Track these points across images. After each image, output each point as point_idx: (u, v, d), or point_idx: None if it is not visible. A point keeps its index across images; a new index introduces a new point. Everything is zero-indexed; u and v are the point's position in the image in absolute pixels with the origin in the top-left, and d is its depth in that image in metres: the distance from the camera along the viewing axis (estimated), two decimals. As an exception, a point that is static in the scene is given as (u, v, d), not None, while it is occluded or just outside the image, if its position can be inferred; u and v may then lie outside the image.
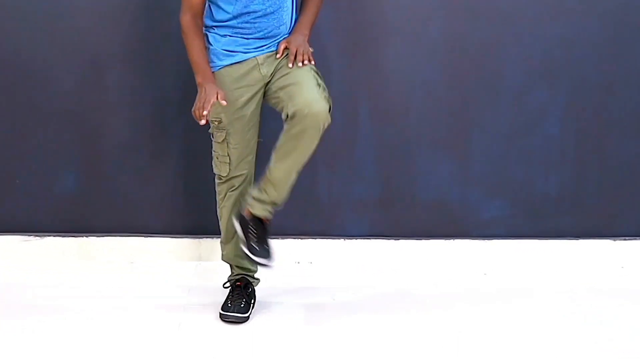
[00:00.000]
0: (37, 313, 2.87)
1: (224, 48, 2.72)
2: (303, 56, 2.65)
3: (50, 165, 3.35)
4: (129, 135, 3.34)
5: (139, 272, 3.28)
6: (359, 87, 3.30)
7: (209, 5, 2.73)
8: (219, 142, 2.79)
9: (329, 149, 3.29)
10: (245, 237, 2.76)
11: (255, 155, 2.86)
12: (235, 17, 2.69)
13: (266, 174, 2.72)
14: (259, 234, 2.75)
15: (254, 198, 2.77)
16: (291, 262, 3.38)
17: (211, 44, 2.74)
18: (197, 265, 3.35)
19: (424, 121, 3.33)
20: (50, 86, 3.29)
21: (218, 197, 2.89)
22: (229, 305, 2.86)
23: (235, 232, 2.84)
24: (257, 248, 2.73)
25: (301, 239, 3.39)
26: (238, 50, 2.72)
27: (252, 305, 2.90)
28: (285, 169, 2.68)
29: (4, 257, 3.33)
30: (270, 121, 2.87)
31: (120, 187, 3.37)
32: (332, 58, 3.19)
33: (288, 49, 2.69)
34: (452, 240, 3.40)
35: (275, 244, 3.34)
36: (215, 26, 2.73)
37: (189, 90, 3.23)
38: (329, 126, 2.64)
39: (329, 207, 3.39)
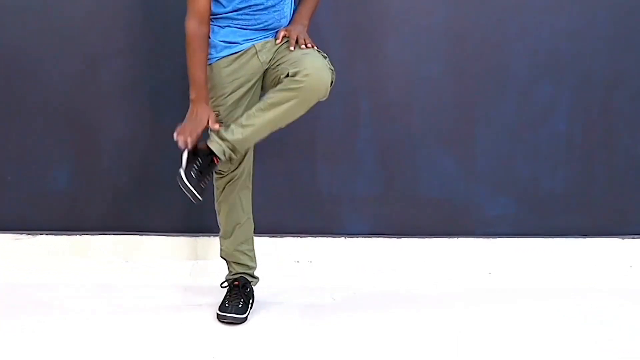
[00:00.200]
0: (26, 313, 2.85)
1: (222, 39, 2.71)
2: (305, 41, 2.64)
3: (43, 161, 3.35)
4: (124, 132, 3.34)
5: (134, 271, 3.28)
6: (360, 81, 3.29)
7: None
8: None
9: (330, 144, 3.31)
10: (187, 164, 2.64)
11: (253, 148, 2.84)
12: (234, 10, 2.67)
13: (242, 118, 2.64)
14: (202, 167, 2.65)
15: (217, 135, 2.67)
16: (290, 261, 3.38)
17: (209, 36, 2.72)
18: (193, 264, 3.36)
19: (427, 116, 3.33)
20: (42, 81, 3.29)
21: (216, 192, 2.88)
22: (227, 305, 2.85)
23: (235, 225, 2.85)
24: (193, 176, 2.61)
25: (301, 237, 3.38)
26: (236, 40, 2.71)
27: (250, 305, 2.89)
28: (263, 119, 2.59)
29: (-5, 256, 3.33)
30: None
31: (115, 184, 3.38)
32: (333, 52, 3.18)
33: (287, 37, 2.68)
34: (455, 239, 3.40)
35: (274, 242, 3.36)
36: (215, 18, 2.71)
37: (185, 86, 3.23)
38: (317, 104, 2.59)
39: (329, 204, 3.39)
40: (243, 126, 2.62)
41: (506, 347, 2.66)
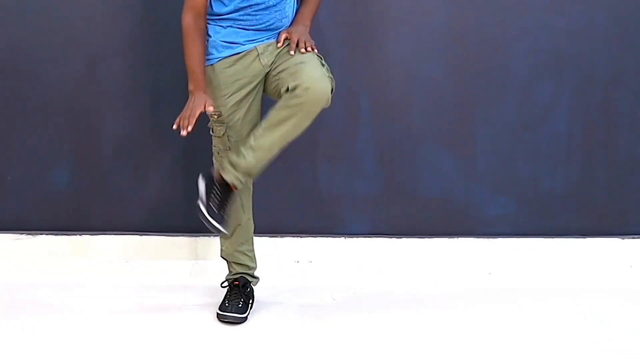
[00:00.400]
0: (26, 313, 2.85)
1: (223, 39, 2.71)
2: (305, 44, 2.64)
3: (43, 162, 3.35)
4: (124, 131, 3.33)
5: (134, 271, 3.27)
6: (360, 81, 3.29)
7: (210, 2, 2.71)
8: (219, 137, 2.78)
9: (330, 144, 3.31)
10: (206, 197, 2.65)
11: None
12: (236, 10, 2.67)
13: (250, 140, 2.65)
14: (222, 199, 2.67)
15: (229, 162, 2.69)
16: (291, 261, 3.37)
17: (210, 36, 2.73)
18: (193, 264, 3.35)
19: (427, 116, 3.32)
20: (42, 82, 3.28)
21: None
22: (227, 305, 2.84)
23: (236, 226, 2.84)
24: (214, 210, 2.64)
25: (301, 237, 3.37)
26: (238, 41, 2.70)
27: (250, 305, 2.88)
28: (271, 138, 2.61)
29: (-5, 256, 3.33)
30: None
31: (115, 184, 3.37)
32: (334, 52, 3.20)
33: (289, 39, 2.68)
34: (455, 239, 3.39)
35: (274, 242, 3.35)
36: (216, 18, 2.71)
37: (185, 86, 3.22)
38: (323, 109, 2.60)
39: (329, 204, 3.38)
40: (253, 149, 2.63)
41: (506, 347, 2.65)
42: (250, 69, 2.71)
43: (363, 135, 3.31)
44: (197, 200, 2.65)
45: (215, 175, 2.72)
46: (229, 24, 2.70)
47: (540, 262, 3.35)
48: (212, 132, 2.80)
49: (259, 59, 2.70)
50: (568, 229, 3.39)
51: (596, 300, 3.01)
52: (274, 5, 2.67)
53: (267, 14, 2.67)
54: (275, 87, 2.69)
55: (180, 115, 2.64)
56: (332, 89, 2.59)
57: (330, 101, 2.59)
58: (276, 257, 3.36)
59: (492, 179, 3.35)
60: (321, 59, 2.64)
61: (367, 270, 3.28)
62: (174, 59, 3.18)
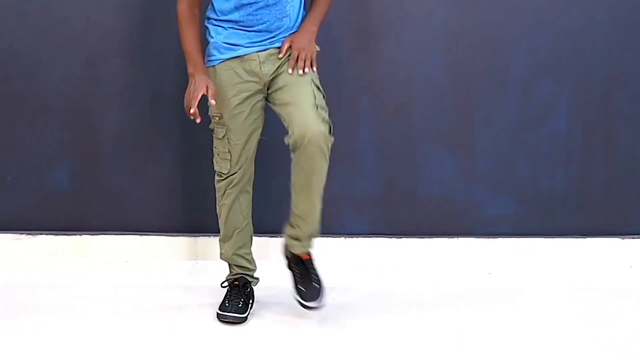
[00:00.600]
0: (26, 313, 2.84)
1: (225, 41, 2.71)
2: (304, 62, 2.65)
3: (43, 161, 3.34)
4: (124, 131, 3.33)
5: (134, 271, 3.27)
6: (360, 80, 3.28)
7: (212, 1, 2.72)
8: (219, 139, 2.78)
9: None
10: (293, 280, 2.82)
11: (255, 153, 2.84)
12: (237, 9, 2.67)
13: (292, 210, 2.76)
14: (302, 272, 2.79)
15: (290, 237, 2.81)
16: None
17: (212, 37, 2.73)
18: (193, 264, 3.34)
19: (428, 116, 3.32)
20: (42, 81, 3.28)
21: (217, 195, 2.88)
22: (227, 305, 2.84)
23: (235, 230, 2.87)
24: (303, 289, 2.77)
25: None
26: (240, 43, 2.70)
27: (250, 305, 2.88)
28: (307, 201, 2.71)
29: (-5, 256, 3.32)
30: (272, 116, 2.84)
31: (115, 184, 3.37)
32: (334, 52, 3.20)
33: (291, 48, 2.68)
34: (455, 239, 3.39)
35: (274, 242, 3.35)
36: (217, 19, 2.72)
37: (185, 87, 3.21)
38: (333, 145, 2.67)
39: (329, 204, 3.32)
40: (301, 217, 2.73)
41: (506, 347, 2.65)
42: (251, 74, 2.71)
43: (363, 135, 3.31)
44: (302, 302, 2.77)
45: (287, 254, 2.84)
46: (230, 25, 2.70)
47: (540, 262, 3.34)
48: (214, 133, 2.81)
49: (260, 67, 2.70)
50: (568, 229, 3.38)
51: (596, 300, 3.01)
52: (274, 4, 2.66)
53: (267, 13, 2.67)
54: (276, 110, 2.73)
55: (185, 99, 2.66)
56: (331, 128, 2.65)
57: (332, 138, 2.64)
58: (276, 257, 3.35)
59: (492, 179, 3.35)
60: (316, 89, 2.66)
61: (367, 270, 3.28)
62: (174, 59, 3.21)
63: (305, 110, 2.61)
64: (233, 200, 2.85)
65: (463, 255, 3.36)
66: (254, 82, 2.72)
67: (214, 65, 2.72)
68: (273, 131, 2.84)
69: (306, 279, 2.78)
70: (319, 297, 2.75)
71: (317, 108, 2.62)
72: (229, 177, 2.82)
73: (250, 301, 2.88)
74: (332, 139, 2.67)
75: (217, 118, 2.75)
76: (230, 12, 2.68)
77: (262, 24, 2.68)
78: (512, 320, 2.85)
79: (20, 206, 3.36)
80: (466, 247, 3.37)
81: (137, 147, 3.33)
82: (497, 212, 3.37)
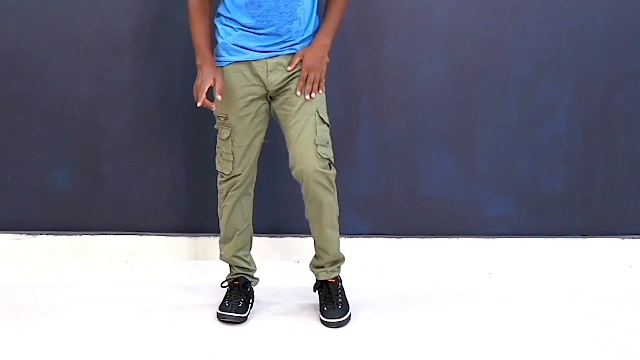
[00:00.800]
0: (26, 313, 2.85)
1: (234, 43, 2.70)
2: (312, 86, 2.68)
3: (43, 161, 3.34)
4: (124, 131, 3.32)
5: (134, 271, 3.27)
6: (360, 80, 3.28)
7: None
8: (223, 139, 2.78)
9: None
10: (319, 302, 2.87)
11: (259, 156, 2.84)
12: (246, 6, 2.64)
13: (314, 241, 2.88)
14: (325, 294, 2.86)
15: (315, 266, 2.91)
16: (291, 261, 3.37)
17: (222, 37, 2.72)
18: (193, 264, 3.34)
19: (428, 116, 3.31)
20: (42, 82, 3.28)
21: (219, 196, 2.88)
22: (227, 304, 2.84)
23: (235, 232, 2.88)
24: (325, 309, 2.82)
25: (301, 237, 3.36)
26: (249, 47, 2.69)
27: (250, 305, 2.88)
28: (322, 232, 2.82)
29: (-5, 256, 3.32)
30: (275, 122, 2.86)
31: (115, 184, 3.37)
32: (334, 52, 3.16)
33: (302, 63, 2.68)
34: (455, 239, 3.39)
35: (274, 243, 3.37)
36: (227, 17, 2.70)
37: (187, 86, 3.22)
38: (336, 178, 2.76)
39: (329, 204, 3.35)
40: (321, 248, 2.85)
41: (506, 347, 2.65)
42: (257, 80, 2.71)
43: (363, 135, 3.31)
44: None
45: (316, 282, 2.92)
46: (239, 27, 2.68)
47: (540, 262, 3.34)
48: (218, 133, 2.80)
49: (267, 75, 2.70)
50: (568, 229, 3.38)
51: (596, 300, 3.01)
52: (285, 6, 2.64)
53: (277, 15, 2.64)
54: (278, 122, 2.77)
55: (194, 92, 2.68)
56: (330, 163, 2.73)
57: (328, 174, 2.72)
58: (276, 257, 3.36)
59: (492, 179, 3.35)
60: (320, 119, 2.70)
61: (367, 270, 3.28)
62: (175, 59, 3.21)
63: (305, 148, 2.68)
64: (235, 203, 2.85)
65: (463, 255, 3.36)
66: (260, 86, 2.72)
67: (222, 66, 2.72)
68: (274, 133, 2.84)
69: (329, 301, 2.83)
70: (341, 316, 2.79)
71: (317, 146, 2.69)
72: (231, 178, 2.81)
73: (250, 301, 2.88)
74: (334, 172, 2.75)
75: (222, 119, 2.75)
76: (240, 9, 2.65)
77: (271, 26, 2.66)
78: (512, 320, 2.85)
79: (21, 206, 3.36)
80: (466, 247, 3.37)
81: (137, 147, 3.32)
82: (497, 212, 3.37)
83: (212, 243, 3.27)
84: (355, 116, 3.29)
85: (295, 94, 2.69)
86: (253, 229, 2.95)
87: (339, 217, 2.85)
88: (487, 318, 2.86)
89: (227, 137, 2.76)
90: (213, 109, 2.64)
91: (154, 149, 3.33)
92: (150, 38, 3.24)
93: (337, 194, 2.80)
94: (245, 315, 2.82)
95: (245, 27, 2.67)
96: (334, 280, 2.89)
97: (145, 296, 3.00)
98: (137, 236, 3.38)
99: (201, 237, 3.35)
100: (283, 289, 3.09)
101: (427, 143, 3.32)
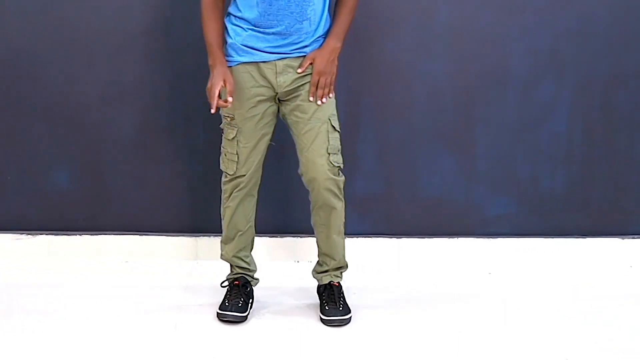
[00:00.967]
0: (26, 313, 2.84)
1: (244, 43, 2.69)
2: (324, 91, 2.69)
3: (43, 161, 3.34)
4: (124, 131, 3.32)
5: (134, 271, 3.27)
6: (360, 80, 3.28)
7: None
8: (229, 139, 2.78)
9: None
10: (320, 303, 2.87)
11: (264, 158, 2.84)
12: (257, 4, 2.63)
13: (318, 247, 2.90)
14: (329, 295, 2.86)
15: (318, 272, 2.93)
16: (291, 261, 3.37)
17: (231, 38, 2.71)
18: (194, 264, 3.34)
19: (428, 116, 3.32)
20: (42, 81, 3.28)
21: (223, 196, 2.88)
22: (227, 304, 2.84)
23: (237, 233, 2.88)
24: (326, 308, 2.82)
25: (301, 237, 3.36)
26: (258, 48, 2.68)
27: (250, 305, 2.88)
28: (329, 238, 2.85)
29: (-5, 256, 3.33)
30: (282, 123, 2.85)
31: (115, 184, 3.37)
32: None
33: (312, 65, 2.69)
34: (455, 239, 3.39)
35: (274, 242, 3.36)
36: (237, 16, 2.69)
37: (186, 87, 3.23)
38: (344, 184, 2.80)
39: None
40: (327, 254, 2.88)
41: (506, 347, 2.65)
42: (266, 81, 2.70)
43: (363, 135, 3.31)
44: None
45: (318, 285, 2.93)
46: (249, 27, 2.67)
47: (540, 262, 3.35)
48: (223, 133, 2.80)
49: (276, 77, 2.69)
50: (568, 229, 3.38)
51: (596, 300, 3.01)
52: (296, 5, 2.63)
53: (288, 15, 2.64)
54: (288, 126, 2.79)
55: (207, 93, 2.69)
56: (340, 169, 2.77)
57: (338, 180, 2.76)
58: (276, 257, 3.36)
59: (492, 179, 3.35)
60: (332, 125, 2.72)
61: (367, 270, 3.28)
62: (174, 59, 3.22)
63: (318, 156, 2.72)
64: (238, 203, 2.84)
65: (463, 255, 3.36)
66: (268, 87, 2.71)
67: (230, 66, 2.71)
68: (278, 135, 2.84)
69: (331, 302, 2.84)
70: (342, 315, 2.79)
71: (330, 155, 2.72)
72: (235, 179, 2.80)
73: (250, 301, 2.88)
74: (343, 178, 2.78)
75: (229, 119, 2.75)
76: (251, 7, 2.64)
77: (281, 25, 2.65)
78: (512, 320, 2.85)
79: (21, 206, 3.36)
80: (466, 247, 3.37)
81: (138, 147, 3.32)
82: (497, 212, 3.37)
83: (212, 243, 3.27)
84: (356, 116, 3.29)
85: (308, 100, 2.70)
86: (255, 229, 2.94)
87: (345, 223, 2.86)
88: (487, 318, 2.86)
89: (233, 138, 2.75)
90: (229, 106, 2.64)
91: (154, 150, 3.33)
92: (151, 39, 3.24)
93: (345, 201, 2.82)
94: (245, 314, 2.81)
95: (255, 27, 2.66)
96: (337, 284, 2.89)
97: (145, 296, 3.00)
98: (137, 236, 3.38)
99: (201, 237, 3.35)
100: (283, 289, 3.09)
101: (428, 143, 3.33)
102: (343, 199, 2.82)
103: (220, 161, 2.83)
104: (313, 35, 2.70)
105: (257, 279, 2.98)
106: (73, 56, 3.25)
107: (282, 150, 3.02)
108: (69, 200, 3.35)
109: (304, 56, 2.70)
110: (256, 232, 2.97)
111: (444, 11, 3.23)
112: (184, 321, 2.80)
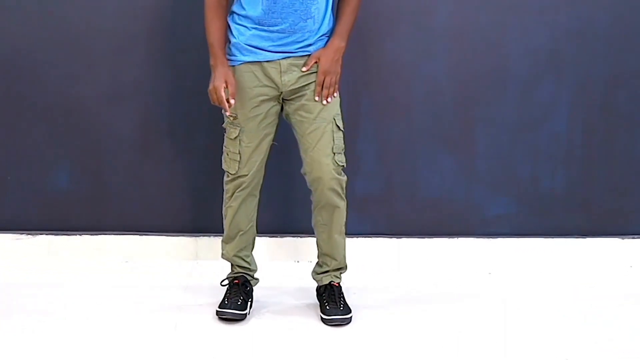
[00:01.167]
0: (26, 313, 2.84)
1: (247, 43, 2.69)
2: (329, 90, 2.70)
3: (43, 161, 3.34)
4: (124, 131, 3.33)
5: (134, 271, 3.27)
6: (360, 80, 3.29)
7: None
8: (231, 139, 2.78)
9: None
10: (320, 304, 2.87)
11: (267, 158, 2.84)
12: (262, 2, 2.64)
13: (318, 250, 2.90)
14: (329, 295, 2.86)
15: (318, 273, 2.93)
16: (291, 261, 3.38)
17: (235, 37, 2.72)
18: (194, 264, 3.34)
19: (428, 116, 3.32)
20: (42, 81, 3.28)
21: (225, 196, 2.88)
22: (226, 302, 2.84)
23: (238, 232, 2.88)
24: (327, 307, 2.82)
25: (301, 237, 3.37)
26: (262, 47, 2.68)
27: (249, 303, 2.87)
28: (330, 238, 2.86)
29: (-5, 256, 3.33)
30: (284, 123, 2.85)
31: (115, 184, 3.37)
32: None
33: (317, 64, 2.69)
34: (455, 239, 3.39)
35: (274, 242, 3.36)
36: (241, 15, 2.69)
37: (186, 87, 3.24)
38: (347, 183, 2.80)
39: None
40: (328, 254, 2.88)
41: (506, 347, 2.65)
42: (270, 80, 2.71)
43: (363, 135, 3.31)
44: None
45: (318, 286, 2.93)
46: (253, 26, 2.68)
47: (540, 262, 3.35)
48: (226, 132, 2.80)
49: (280, 76, 2.70)
50: (568, 229, 3.39)
51: (596, 300, 3.01)
52: (301, 3, 2.64)
53: (292, 13, 2.64)
54: (291, 126, 2.79)
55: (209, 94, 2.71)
56: (343, 168, 2.78)
57: (341, 180, 2.78)
58: (276, 257, 3.36)
59: (491, 179, 3.35)
60: (336, 125, 2.74)
61: (367, 270, 3.28)
62: (176, 59, 3.22)
63: (323, 156, 2.73)
64: (240, 203, 2.84)
65: (463, 255, 3.37)
66: (271, 87, 2.72)
67: (234, 66, 2.72)
68: (280, 135, 2.85)
69: (332, 302, 2.84)
70: (342, 314, 2.79)
71: (334, 154, 2.73)
72: (237, 178, 2.80)
73: (250, 300, 2.87)
74: (345, 178, 2.79)
75: (231, 118, 2.75)
76: (256, 4, 2.65)
77: (285, 23, 2.65)
78: (512, 320, 2.85)
79: (21, 206, 3.36)
80: (466, 247, 3.38)
81: (138, 147, 3.33)
82: (497, 212, 3.38)
83: (212, 243, 3.28)
84: (356, 116, 3.30)
85: (314, 99, 2.71)
86: (256, 229, 2.95)
87: (346, 223, 2.86)
88: (487, 318, 2.86)
89: (236, 137, 2.75)
90: (227, 113, 2.66)
91: (155, 150, 3.33)
92: (152, 39, 3.24)
93: (347, 200, 2.82)
94: (244, 312, 2.81)
95: (259, 25, 2.67)
96: (337, 284, 2.90)
97: (145, 296, 3.01)
98: (137, 236, 3.38)
99: (201, 238, 3.36)
100: (283, 289, 3.09)
101: (427, 143, 3.33)
102: (345, 199, 2.82)
103: (223, 160, 2.83)
104: (317, 34, 2.70)
105: (257, 279, 2.98)
106: (74, 56, 3.25)
107: (283, 150, 3.02)
108: (69, 200, 3.36)
109: (308, 55, 2.71)
110: (257, 233, 2.97)
111: (444, 11, 3.24)
112: (184, 321, 2.80)
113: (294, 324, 2.81)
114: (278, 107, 2.77)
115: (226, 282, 2.93)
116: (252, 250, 2.96)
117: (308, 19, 2.67)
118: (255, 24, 2.67)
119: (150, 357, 2.56)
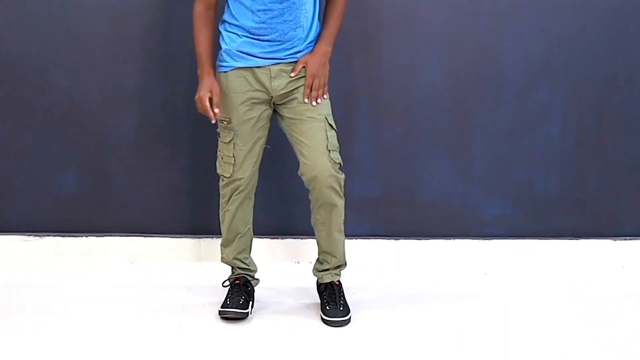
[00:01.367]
0: (35, 313, 2.85)
1: (239, 49, 2.73)
2: (318, 92, 2.73)
3: (50, 164, 3.36)
4: (129, 135, 3.34)
5: (139, 272, 3.28)
6: (359, 84, 3.30)
7: (228, 3, 2.74)
8: (225, 143, 2.80)
9: None
10: (321, 302, 2.88)
11: (260, 160, 2.86)
12: (253, 13, 2.67)
13: (318, 248, 2.91)
14: (330, 294, 2.87)
15: (319, 271, 2.94)
16: (291, 262, 3.38)
17: (226, 44, 2.75)
18: (196, 265, 3.35)
19: (425, 120, 3.33)
20: (49, 85, 3.29)
21: (222, 200, 2.89)
22: (228, 302, 2.84)
23: (236, 235, 2.90)
24: (327, 308, 2.83)
25: (301, 238, 3.38)
26: (253, 53, 2.72)
27: (251, 303, 2.88)
28: (330, 236, 2.86)
29: (4, 257, 3.33)
30: (276, 124, 2.87)
31: (120, 186, 3.38)
32: (334, 55, 3.17)
33: (305, 69, 2.72)
34: (452, 240, 3.40)
35: (274, 243, 3.35)
36: (232, 23, 2.73)
37: (190, 90, 3.24)
38: (345, 181, 2.80)
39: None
40: (327, 252, 2.89)
41: (506, 347, 2.65)
42: (261, 85, 2.74)
43: (362, 138, 3.32)
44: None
45: (317, 284, 2.95)
46: (244, 34, 2.71)
47: (535, 263, 3.35)
48: (219, 137, 2.82)
49: (270, 81, 2.73)
50: (562, 231, 3.39)
51: (589, 300, 3.01)
52: (289, 14, 2.68)
53: (281, 23, 2.68)
54: (285, 131, 2.81)
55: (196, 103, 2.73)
56: (340, 166, 2.78)
57: (339, 177, 2.78)
58: (276, 258, 3.37)
59: (488, 182, 3.36)
60: (328, 124, 2.76)
61: (366, 271, 3.29)
62: (180, 64, 3.22)
63: (319, 154, 2.73)
64: (237, 207, 2.86)
65: (460, 257, 3.37)
66: (262, 91, 2.75)
67: (225, 71, 2.75)
68: (273, 136, 2.86)
69: (332, 301, 2.84)
70: (342, 316, 2.80)
71: (330, 152, 2.73)
72: (234, 182, 2.82)
73: (251, 299, 2.88)
74: (343, 176, 2.78)
75: (225, 122, 2.77)
76: (247, 15, 2.68)
77: (275, 32, 2.69)
78: (512, 320, 2.84)
79: (29, 209, 3.37)
80: (463, 248, 3.38)
81: (142, 150, 3.34)
82: (492, 214, 3.38)
83: (214, 244, 3.27)
84: (354, 119, 3.31)
85: (303, 101, 2.73)
86: (253, 231, 2.97)
87: (345, 221, 2.88)
88: (486, 318, 2.85)
89: (230, 141, 2.78)
90: (213, 122, 2.69)
91: (159, 153, 3.34)
92: (155, 43, 3.25)
93: (345, 198, 2.84)
94: (246, 311, 2.81)
95: (250, 34, 2.70)
96: (337, 283, 2.91)
97: (149, 296, 3.01)
98: (142, 238, 3.39)
99: (204, 239, 3.37)
100: (283, 290, 3.09)
101: (425, 146, 3.34)
102: (343, 197, 2.83)
103: (217, 165, 2.84)
104: (305, 41, 2.75)
105: (257, 279, 2.99)
106: (79, 61, 3.26)
107: (282, 153, 3.02)
108: (75, 203, 3.37)
109: (297, 61, 2.74)
110: (256, 234, 2.98)
111: (441, 17, 3.24)
112: (187, 321, 2.80)
113: (294, 323, 2.81)
114: (270, 112, 2.80)
115: (227, 283, 2.94)
116: (250, 252, 2.97)
117: (297, 28, 2.71)
118: (247, 32, 2.71)
119: (153, 356, 2.57)
